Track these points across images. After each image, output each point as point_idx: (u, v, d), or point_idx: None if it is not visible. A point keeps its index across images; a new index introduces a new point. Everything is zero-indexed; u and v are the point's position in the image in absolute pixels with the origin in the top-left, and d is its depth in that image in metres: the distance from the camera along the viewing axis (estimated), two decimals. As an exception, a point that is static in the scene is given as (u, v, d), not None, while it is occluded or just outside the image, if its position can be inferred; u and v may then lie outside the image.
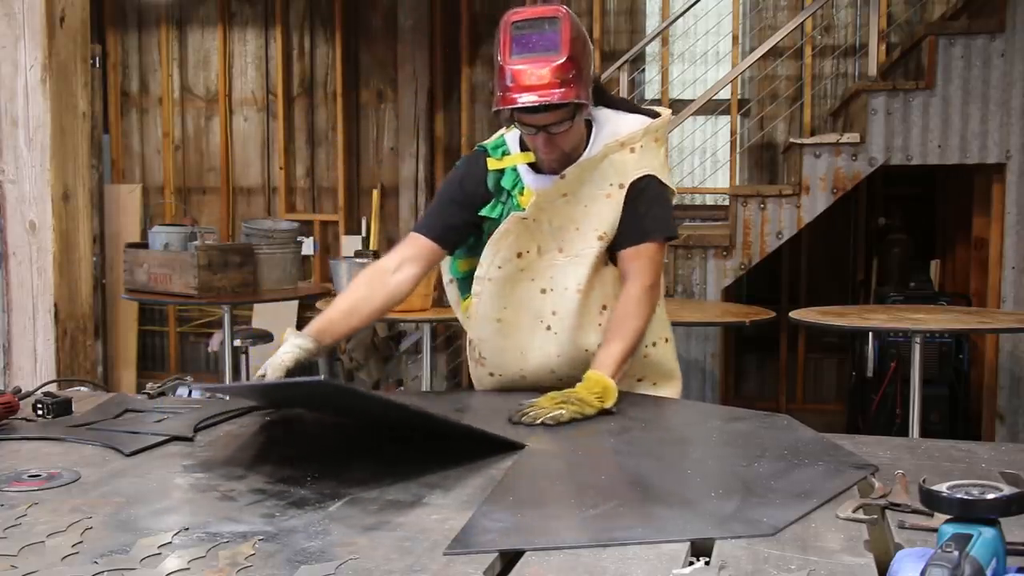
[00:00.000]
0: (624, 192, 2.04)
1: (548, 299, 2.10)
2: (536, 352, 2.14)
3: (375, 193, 6.79)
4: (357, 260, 4.79)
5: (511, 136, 2.17)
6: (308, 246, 6.65)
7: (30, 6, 3.02)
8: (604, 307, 2.11)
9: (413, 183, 6.57)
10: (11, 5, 3.03)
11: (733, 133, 6.22)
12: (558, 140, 2.00)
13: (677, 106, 6.13)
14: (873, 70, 5.24)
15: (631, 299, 2.04)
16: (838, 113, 5.77)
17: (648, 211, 2.06)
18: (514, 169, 2.13)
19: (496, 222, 2.12)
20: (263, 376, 1.88)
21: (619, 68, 5.77)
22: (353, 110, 6.89)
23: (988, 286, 5.04)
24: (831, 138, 4.97)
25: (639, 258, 2.06)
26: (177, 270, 4.68)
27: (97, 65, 6.16)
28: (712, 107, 5.98)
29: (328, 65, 6.90)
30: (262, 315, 6.69)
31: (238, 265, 4.75)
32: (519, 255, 2.10)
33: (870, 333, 5.04)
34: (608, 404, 1.87)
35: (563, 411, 1.81)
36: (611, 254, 2.11)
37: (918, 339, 3.87)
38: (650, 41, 6.03)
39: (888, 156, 4.84)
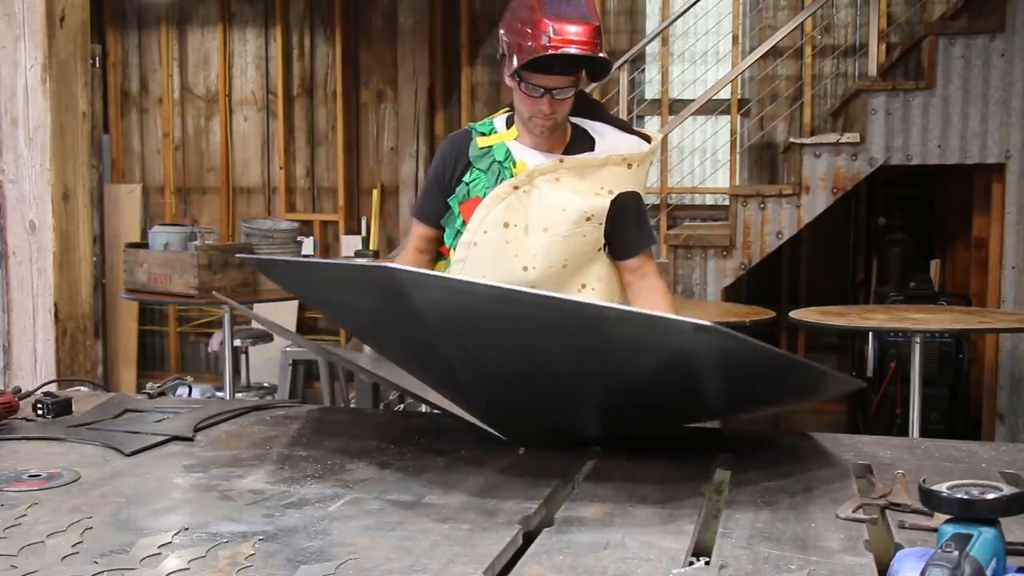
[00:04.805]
0: (612, 197, 2.18)
1: (530, 275, 2.16)
2: None
3: (375, 193, 6.79)
4: (357, 260, 4.79)
5: (499, 120, 2.28)
6: (308, 246, 6.64)
7: (30, 6, 3.02)
8: (583, 285, 2.21)
9: (413, 183, 6.57)
10: (11, 5, 3.02)
11: (733, 133, 6.22)
12: (557, 107, 2.11)
13: (677, 106, 6.14)
14: (873, 70, 5.23)
15: (659, 290, 2.30)
16: (838, 113, 5.77)
17: (641, 225, 2.29)
18: (503, 146, 2.23)
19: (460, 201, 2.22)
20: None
21: (619, 68, 5.75)
22: (353, 110, 6.89)
23: (988, 286, 5.03)
24: (831, 138, 4.97)
25: (648, 265, 2.30)
26: (177, 270, 4.68)
27: (97, 65, 6.16)
28: (712, 107, 5.97)
29: (328, 65, 6.89)
30: (262, 315, 6.67)
31: (238, 265, 4.75)
32: (506, 225, 2.16)
33: (870, 333, 5.04)
34: None
35: None
36: (610, 251, 2.25)
37: (918, 339, 3.87)
38: (650, 41, 6.02)
39: (888, 156, 4.83)
